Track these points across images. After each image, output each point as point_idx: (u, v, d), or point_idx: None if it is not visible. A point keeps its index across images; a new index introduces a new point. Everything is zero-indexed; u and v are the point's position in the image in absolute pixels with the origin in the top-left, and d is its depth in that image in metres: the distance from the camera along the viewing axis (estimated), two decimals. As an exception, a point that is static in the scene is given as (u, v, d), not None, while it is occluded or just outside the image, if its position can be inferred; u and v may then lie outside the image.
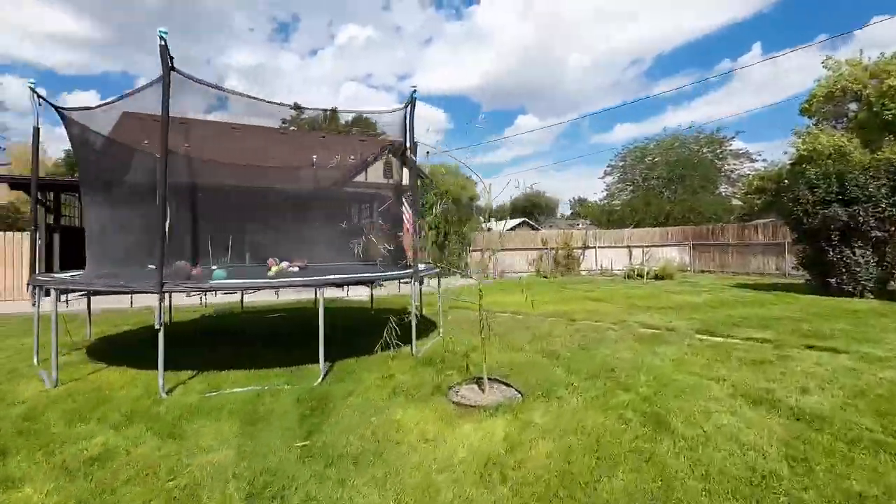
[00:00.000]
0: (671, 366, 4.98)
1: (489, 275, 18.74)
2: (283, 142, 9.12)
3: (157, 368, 4.29)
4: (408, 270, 6.34)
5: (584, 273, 19.96)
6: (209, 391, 4.37)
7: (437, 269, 7.74)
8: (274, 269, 6.78)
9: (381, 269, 7.00)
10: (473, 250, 19.03)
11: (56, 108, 5.65)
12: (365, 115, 30.05)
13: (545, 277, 18.78)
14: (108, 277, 5.28)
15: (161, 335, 4.22)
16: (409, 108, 5.91)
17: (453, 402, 3.98)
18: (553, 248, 19.75)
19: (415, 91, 5.86)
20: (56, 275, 6.09)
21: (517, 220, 79.30)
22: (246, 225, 8.32)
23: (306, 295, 10.92)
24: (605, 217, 49.38)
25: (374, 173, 14.96)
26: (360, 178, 13.99)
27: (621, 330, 7.05)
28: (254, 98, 5.40)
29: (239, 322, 9.16)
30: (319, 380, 4.63)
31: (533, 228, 79.36)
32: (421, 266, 7.94)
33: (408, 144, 5.94)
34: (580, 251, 20.22)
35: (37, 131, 5.55)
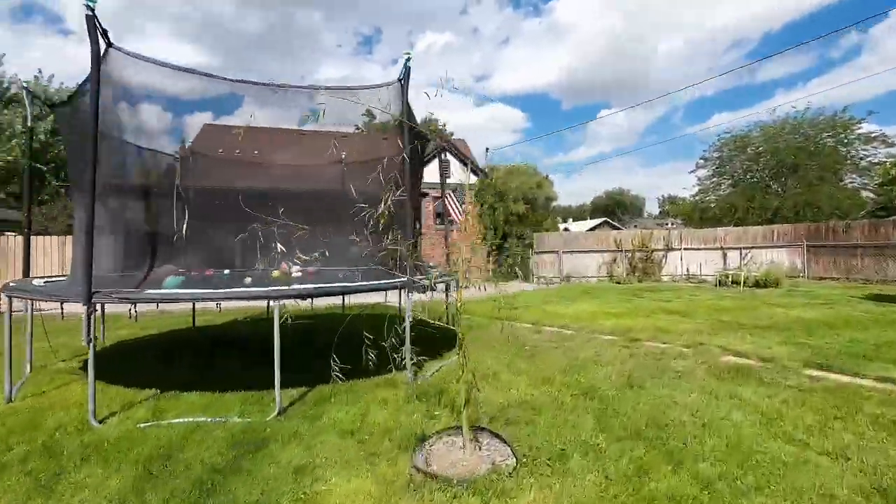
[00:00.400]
0: (758, 424, 3.39)
1: (550, 279, 17.08)
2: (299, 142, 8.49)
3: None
4: (399, 279, 5.26)
5: (665, 279, 17.46)
6: (149, 420, 3.69)
7: (450, 277, 6.58)
8: (274, 273, 6.10)
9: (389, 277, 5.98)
10: (537, 252, 17.47)
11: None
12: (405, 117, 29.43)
13: (618, 283, 16.67)
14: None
15: (91, 353, 3.61)
16: (403, 81, 4.84)
17: (415, 468, 2.85)
18: (629, 251, 17.52)
19: (409, 59, 4.78)
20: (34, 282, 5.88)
21: (597, 221, 74.53)
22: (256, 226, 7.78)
23: (336, 300, 10.32)
24: (698, 215, 44.45)
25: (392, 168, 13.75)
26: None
27: (694, 357, 5.38)
28: (221, 78, 4.70)
29: (253, 330, 8.74)
30: (275, 413, 3.76)
31: (614, 229, 74.30)
32: (435, 272, 6.86)
33: (405, 124, 4.86)
34: (661, 253, 17.73)
35: (31, 131, 5.35)
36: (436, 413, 3.79)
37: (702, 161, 42.19)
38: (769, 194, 29.23)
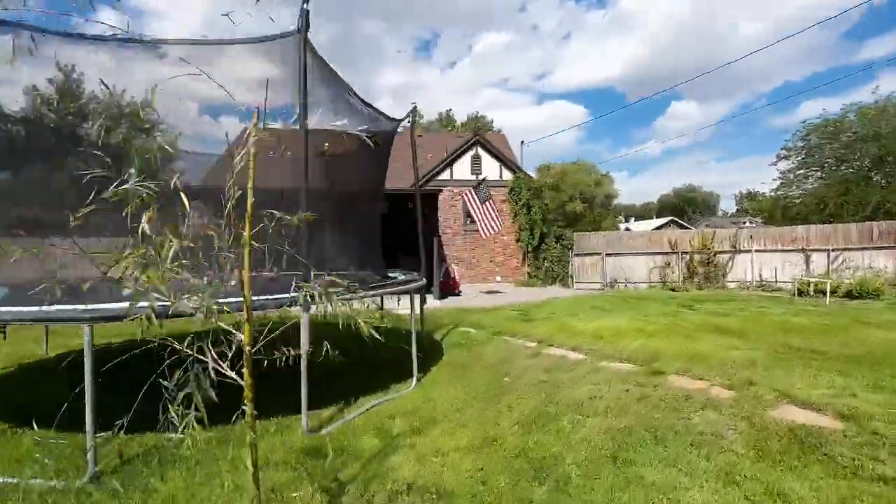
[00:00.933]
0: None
1: (592, 285, 15.16)
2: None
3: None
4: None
5: (732, 286, 14.91)
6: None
7: (413, 281, 5.35)
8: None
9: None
10: (577, 255, 15.63)
11: None
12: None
13: (672, 291, 14.42)
14: None
15: None
16: (302, 31, 3.65)
17: None
18: (687, 252, 15.17)
19: (306, 2, 3.57)
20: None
21: (662, 220, 69.00)
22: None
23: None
24: (780, 212, 39.38)
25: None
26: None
27: (733, 409, 3.73)
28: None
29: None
30: (86, 477, 2.74)
31: (681, 229, 68.36)
32: (400, 276, 5.63)
33: (303, 103, 3.69)
34: (727, 256, 15.19)
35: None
36: (294, 496, 2.57)
37: (784, 151, 37.21)
38: (869, 186, 24.87)
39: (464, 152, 16.72)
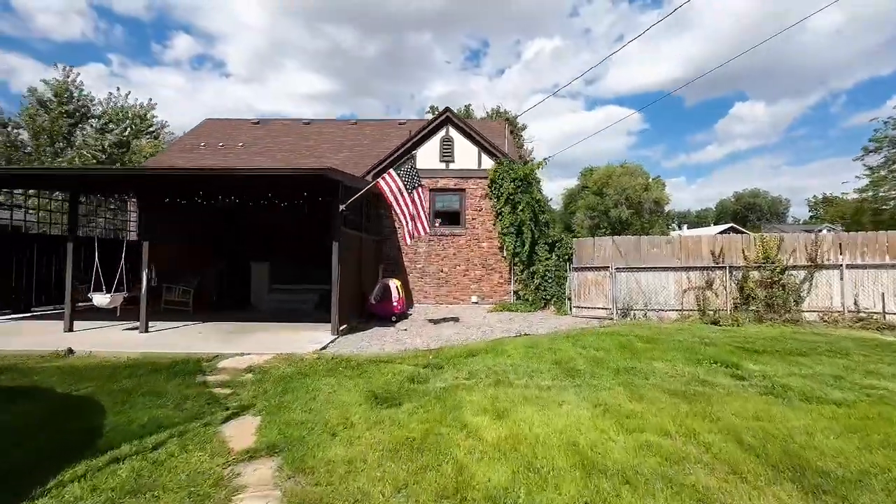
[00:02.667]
0: None
1: (597, 312, 10.62)
2: None
3: None
4: None
5: (810, 316, 9.92)
6: None
7: None
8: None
9: None
10: (578, 268, 11.17)
11: None
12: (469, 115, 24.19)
13: (716, 323, 9.67)
14: None
15: None
16: None
17: None
18: (739, 268, 10.34)
19: None
20: None
21: (720, 227, 60.73)
22: None
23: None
24: (868, 217, 32.01)
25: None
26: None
27: None
28: None
29: None
30: None
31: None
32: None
33: None
34: (802, 272, 10.21)
35: None
36: None
37: (874, 143, 30.31)
38: None
39: (430, 134, 12.79)
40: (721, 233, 57.40)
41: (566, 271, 11.51)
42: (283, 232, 12.40)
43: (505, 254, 12.37)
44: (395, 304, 9.76)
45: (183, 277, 11.12)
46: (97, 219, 12.31)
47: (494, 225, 12.59)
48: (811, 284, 10.22)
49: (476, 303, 12.57)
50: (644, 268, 10.60)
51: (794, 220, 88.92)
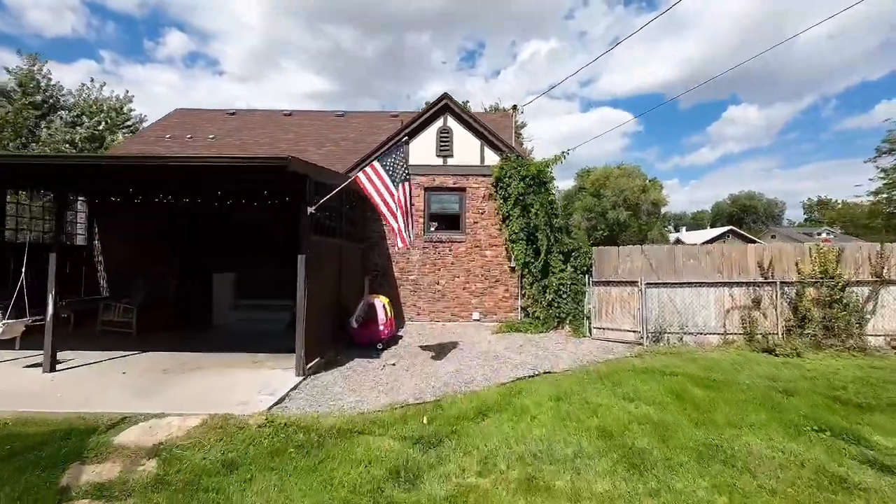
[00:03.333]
0: None
1: (623, 335, 8.83)
2: None
3: None
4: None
5: (873, 340, 8.27)
6: None
7: None
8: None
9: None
10: (599, 282, 9.38)
11: None
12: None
13: (769, 351, 7.93)
14: None
15: None
16: None
17: None
18: (792, 283, 8.61)
19: None
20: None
21: (719, 230, 59.33)
22: None
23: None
24: (882, 221, 30.58)
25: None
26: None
27: None
28: None
29: None
30: None
31: (745, 241, 58.41)
32: None
33: None
34: (867, 289, 8.52)
35: None
36: None
37: (886, 146, 28.87)
38: None
39: (425, 125, 10.93)
40: (720, 235, 56.00)
41: (584, 285, 9.71)
42: (251, 237, 10.48)
43: (513, 264, 10.55)
44: (381, 328, 7.90)
45: (129, 292, 9.19)
46: (40, 220, 10.32)
47: (500, 230, 10.76)
48: (877, 303, 8.53)
49: (478, 320, 10.74)
50: (679, 283, 8.82)
51: (790, 223, 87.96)
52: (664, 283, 8.82)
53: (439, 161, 10.91)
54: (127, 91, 28.82)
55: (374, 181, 6.08)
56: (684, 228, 66.43)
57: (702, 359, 7.38)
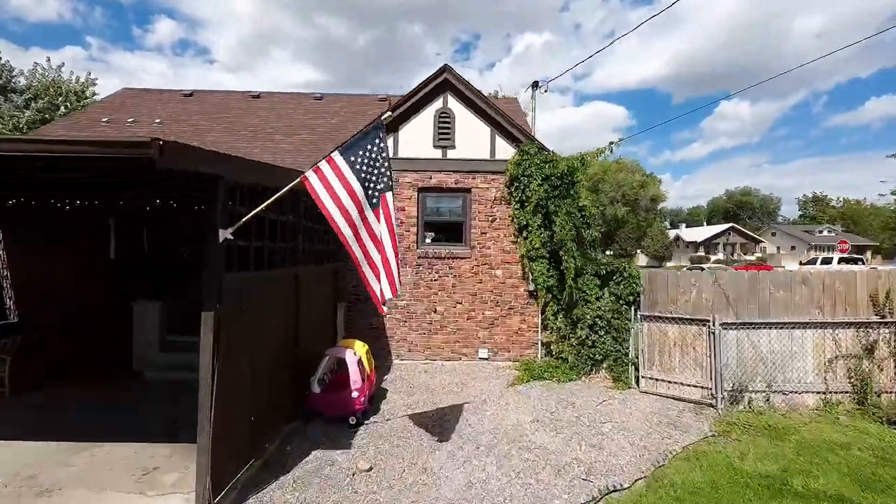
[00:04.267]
0: None
1: (683, 390, 6.40)
2: None
3: None
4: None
5: None
6: None
7: None
8: None
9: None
10: (649, 317, 6.92)
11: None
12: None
13: (894, 424, 5.57)
14: None
15: None
16: None
17: None
18: (914, 323, 6.23)
19: None
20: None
21: (720, 227, 57.33)
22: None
23: None
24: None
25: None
26: None
27: None
28: None
29: None
30: None
31: (749, 239, 56.41)
32: None
33: None
34: None
35: None
36: None
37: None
38: None
39: (419, 106, 8.35)
40: (722, 233, 54.08)
41: (629, 320, 7.27)
42: (187, 256, 7.88)
43: (532, 287, 8.08)
44: (355, 394, 5.38)
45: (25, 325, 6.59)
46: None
47: (515, 243, 8.27)
48: None
49: (486, 359, 8.28)
50: (765, 323, 6.40)
51: (785, 220, 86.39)
52: (745, 324, 6.40)
53: (437, 153, 8.36)
54: (89, 73, 25.68)
55: (333, 189, 3.53)
56: (683, 225, 64.41)
57: (818, 439, 5.02)
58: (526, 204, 7.88)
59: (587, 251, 7.80)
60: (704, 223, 73.22)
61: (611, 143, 6.70)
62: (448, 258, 8.30)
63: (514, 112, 10.94)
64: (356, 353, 5.63)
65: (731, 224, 57.27)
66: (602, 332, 7.45)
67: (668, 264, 52.45)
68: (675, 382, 6.74)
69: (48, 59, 29.35)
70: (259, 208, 3.66)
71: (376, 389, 6.50)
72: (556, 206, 7.52)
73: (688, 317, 6.66)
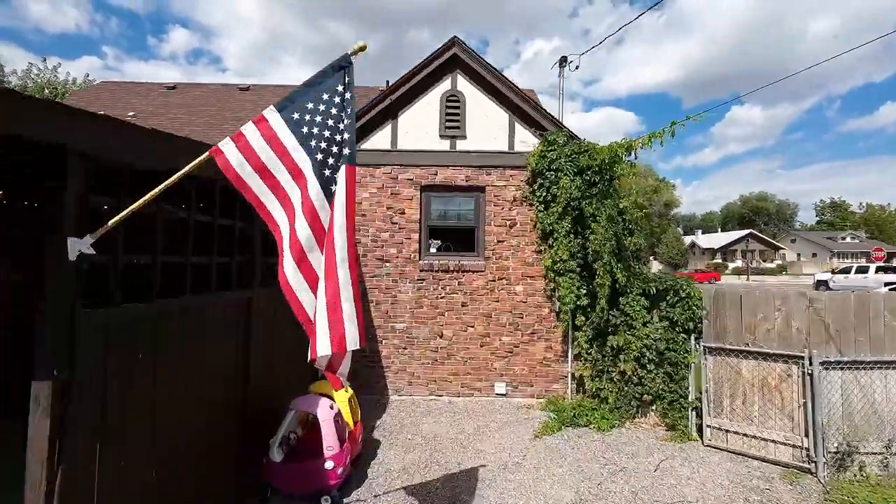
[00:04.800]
0: None
1: (770, 448, 4.80)
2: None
3: None
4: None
5: None
6: None
7: None
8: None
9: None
10: (716, 350, 5.32)
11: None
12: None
13: None
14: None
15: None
16: None
17: None
18: None
19: None
20: None
21: (739, 233, 55.05)
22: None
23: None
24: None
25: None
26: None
27: None
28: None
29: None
30: None
31: (769, 245, 54.11)
32: None
33: None
34: None
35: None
36: None
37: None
38: None
39: (423, 88, 6.89)
40: (740, 239, 51.85)
41: (688, 352, 5.67)
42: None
43: (559, 307, 6.53)
44: (329, 463, 3.86)
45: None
46: None
47: (539, 253, 6.73)
48: None
49: (503, 395, 6.72)
50: (882, 362, 4.79)
51: (802, 226, 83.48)
52: (853, 362, 4.78)
53: (444, 144, 6.88)
54: (87, 74, 24.84)
55: (264, 164, 2.07)
56: (699, 231, 62.17)
57: None
58: (552, 205, 6.35)
59: (630, 264, 6.23)
60: (719, 229, 70.92)
61: (673, 122, 5.16)
62: (457, 272, 6.78)
63: (534, 98, 9.43)
64: (333, 405, 4.11)
65: (749, 230, 55.02)
66: (652, 367, 5.86)
67: (683, 271, 50.38)
68: (753, 437, 5.12)
69: (44, 60, 28.65)
70: (136, 205, 2.19)
71: (364, 443, 4.98)
72: (594, 208, 5.98)
73: (771, 351, 5.06)
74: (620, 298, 6.08)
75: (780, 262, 51.62)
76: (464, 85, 6.93)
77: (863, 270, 25.30)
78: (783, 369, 4.99)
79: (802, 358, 4.84)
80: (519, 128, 6.90)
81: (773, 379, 5.04)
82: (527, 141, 6.87)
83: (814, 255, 51.92)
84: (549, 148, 6.47)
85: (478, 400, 6.68)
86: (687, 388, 5.66)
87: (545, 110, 6.80)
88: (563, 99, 8.11)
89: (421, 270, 6.77)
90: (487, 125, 6.91)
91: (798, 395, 4.89)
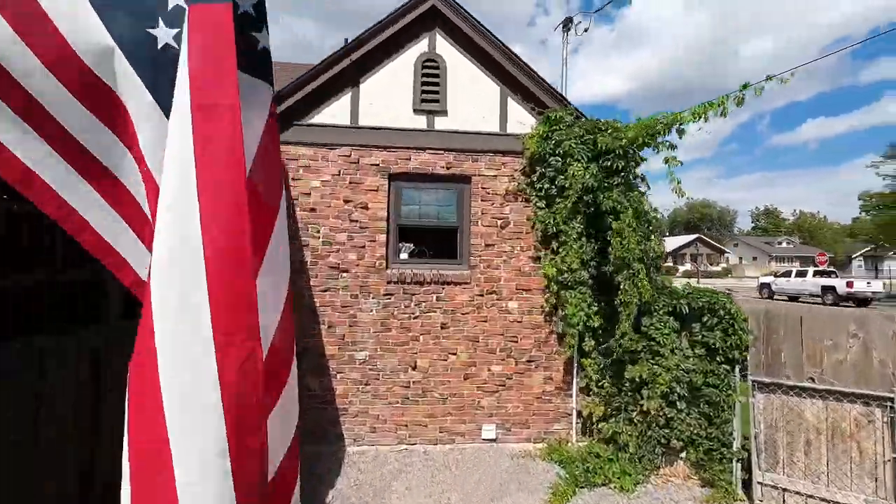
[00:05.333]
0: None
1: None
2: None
3: None
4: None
5: None
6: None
7: None
8: None
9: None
10: (772, 387, 4.13)
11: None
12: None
13: None
14: None
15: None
16: None
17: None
18: None
19: None
20: None
21: (687, 237, 57.13)
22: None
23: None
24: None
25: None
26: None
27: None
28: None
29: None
30: None
31: (715, 249, 56.42)
32: None
33: None
34: None
35: None
36: None
37: (893, 149, 26.26)
38: None
39: (392, 47, 5.32)
40: (689, 244, 53.73)
41: (731, 388, 4.46)
42: None
43: (562, 328, 5.17)
44: None
45: None
46: None
47: (538, 260, 5.35)
48: None
49: (493, 440, 5.27)
50: (984, 403, 3.76)
51: (739, 231, 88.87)
52: (951, 404, 3.72)
53: (420, 121, 5.34)
54: None
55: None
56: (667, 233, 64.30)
57: None
58: (558, 200, 4.98)
59: (651, 275, 4.97)
60: (667, 233, 73.66)
61: (745, 85, 3.87)
62: (435, 283, 5.26)
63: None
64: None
65: (697, 235, 57.24)
66: (684, 405, 4.60)
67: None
68: (822, 499, 3.96)
69: None
70: None
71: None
72: (615, 202, 4.65)
73: (846, 389, 3.93)
74: (643, 318, 4.81)
75: (725, 265, 53.99)
76: (444, 47, 5.43)
77: (802, 274, 26.20)
78: (862, 412, 3.87)
79: (890, 399, 3.73)
80: (513, 104, 5.49)
81: (849, 424, 3.91)
82: (524, 121, 5.47)
83: (754, 258, 54.77)
84: (553, 127, 5.10)
85: (461, 448, 5.18)
86: (731, 433, 4.45)
87: (546, 82, 5.43)
88: (566, 78, 6.78)
89: (388, 283, 5.19)
90: (474, 99, 5.45)
91: (884, 446, 3.77)
